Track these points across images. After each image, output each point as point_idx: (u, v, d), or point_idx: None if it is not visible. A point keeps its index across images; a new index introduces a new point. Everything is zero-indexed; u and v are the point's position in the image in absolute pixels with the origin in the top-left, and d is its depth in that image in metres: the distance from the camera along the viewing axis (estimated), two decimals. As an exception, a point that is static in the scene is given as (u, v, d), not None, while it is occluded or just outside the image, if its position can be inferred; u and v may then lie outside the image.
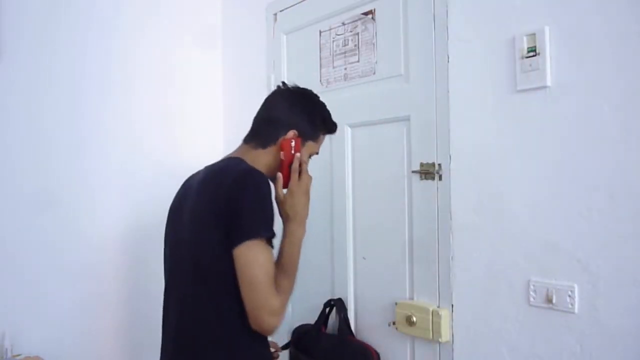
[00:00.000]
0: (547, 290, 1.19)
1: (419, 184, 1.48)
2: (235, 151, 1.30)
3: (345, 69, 1.75)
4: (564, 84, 1.17)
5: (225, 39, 2.33)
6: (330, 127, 1.36)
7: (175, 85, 2.15)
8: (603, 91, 1.11)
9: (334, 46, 1.80)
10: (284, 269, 1.17)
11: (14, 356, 1.64)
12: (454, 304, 1.39)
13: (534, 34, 1.21)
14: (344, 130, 1.73)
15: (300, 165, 1.25)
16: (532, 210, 1.22)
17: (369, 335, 1.64)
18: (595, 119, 1.12)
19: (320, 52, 1.85)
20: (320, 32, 1.85)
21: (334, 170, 1.78)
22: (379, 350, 1.58)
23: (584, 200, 1.14)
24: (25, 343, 1.70)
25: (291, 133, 1.25)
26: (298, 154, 1.25)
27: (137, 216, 1.98)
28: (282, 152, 1.24)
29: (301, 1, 1.92)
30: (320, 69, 1.85)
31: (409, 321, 1.45)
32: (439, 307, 1.42)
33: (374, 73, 1.65)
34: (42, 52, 1.80)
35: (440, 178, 1.43)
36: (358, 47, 1.71)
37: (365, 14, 1.68)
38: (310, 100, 1.35)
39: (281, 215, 1.25)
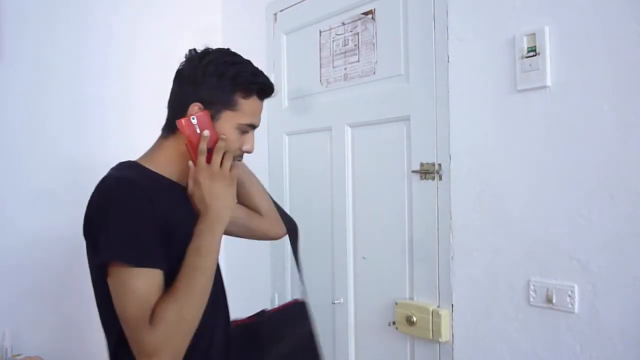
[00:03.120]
0: (547, 290, 1.19)
1: (419, 184, 1.48)
2: (151, 147, 1.10)
3: (345, 69, 1.75)
4: (564, 84, 1.17)
5: (225, 39, 2.32)
6: (249, 83, 1.01)
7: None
8: (603, 91, 1.11)
9: (334, 46, 1.79)
10: (173, 288, 0.89)
11: (14, 356, 1.64)
12: (454, 304, 1.39)
13: (534, 34, 1.21)
14: (344, 130, 1.73)
15: (214, 144, 0.98)
16: (532, 210, 1.22)
17: (369, 335, 1.64)
18: (595, 119, 1.12)
19: (320, 52, 1.85)
20: (320, 32, 1.84)
21: (334, 170, 1.78)
22: (378, 350, 1.58)
23: (584, 200, 1.14)
24: (25, 343, 1.70)
25: (194, 108, 0.98)
26: (206, 132, 0.97)
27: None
28: (183, 135, 0.98)
29: (301, 1, 1.92)
30: (320, 69, 1.85)
31: (409, 321, 1.44)
32: (439, 307, 1.42)
33: (374, 73, 1.65)
34: (42, 53, 1.80)
35: (440, 178, 1.43)
36: (358, 47, 1.70)
37: (365, 13, 1.68)
38: (217, 57, 1.02)
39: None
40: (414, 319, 1.43)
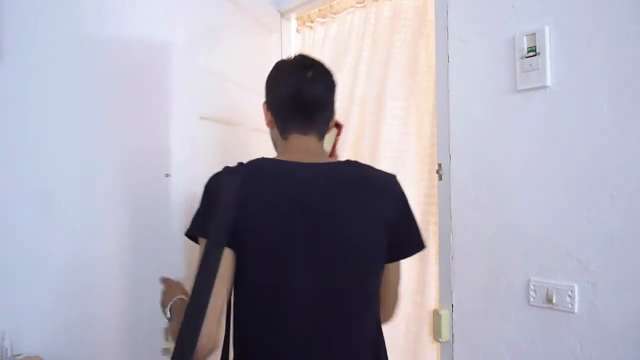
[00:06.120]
0: (547, 290, 1.19)
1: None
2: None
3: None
4: (564, 83, 1.17)
5: (225, 39, 2.32)
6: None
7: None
8: (603, 91, 1.11)
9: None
10: None
11: (14, 356, 1.64)
12: (454, 304, 1.39)
13: (534, 34, 1.21)
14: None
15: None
16: (532, 210, 1.22)
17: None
18: (595, 119, 1.12)
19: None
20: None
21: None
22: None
23: (584, 200, 1.14)
24: (25, 343, 1.70)
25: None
26: None
27: (137, 216, 1.98)
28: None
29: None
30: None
31: None
32: (439, 307, 1.42)
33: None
34: (44, 53, 1.80)
35: (440, 178, 1.43)
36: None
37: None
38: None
39: None
40: None
